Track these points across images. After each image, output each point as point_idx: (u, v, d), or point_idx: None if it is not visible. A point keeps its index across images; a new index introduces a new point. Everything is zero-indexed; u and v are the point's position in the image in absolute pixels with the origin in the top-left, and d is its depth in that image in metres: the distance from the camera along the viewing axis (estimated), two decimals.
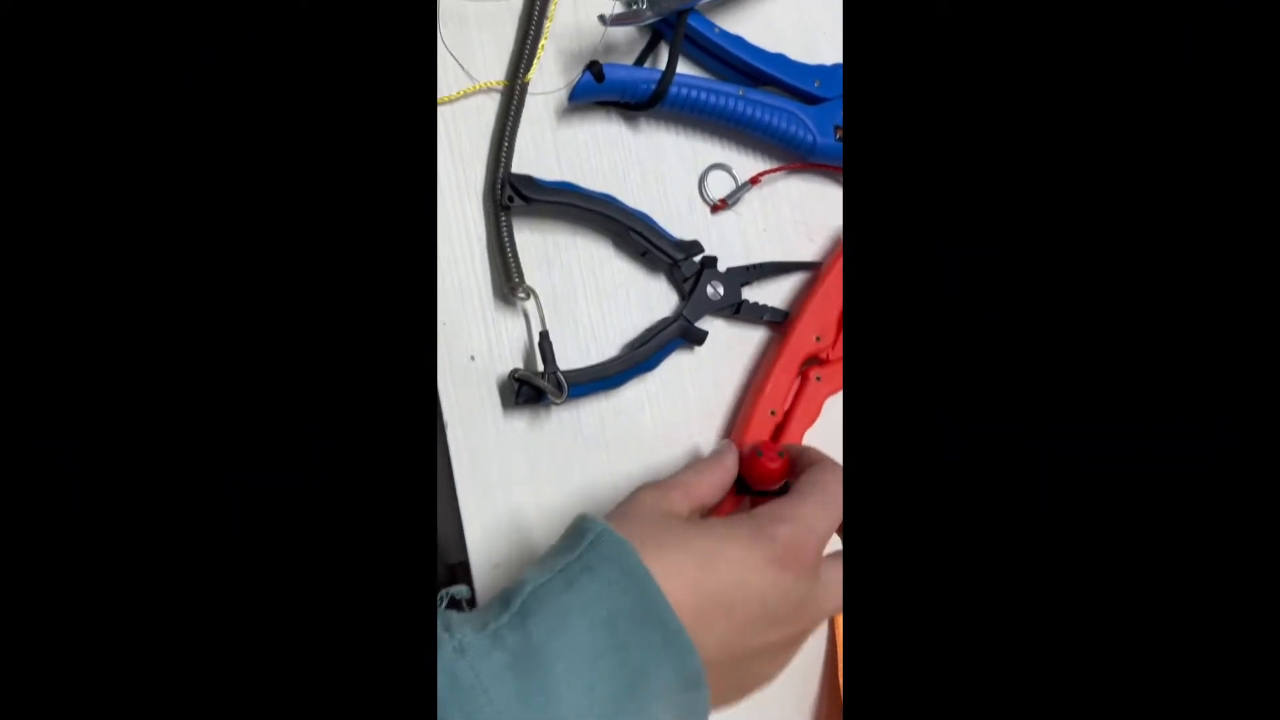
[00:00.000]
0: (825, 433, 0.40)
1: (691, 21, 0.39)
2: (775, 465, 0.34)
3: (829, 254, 0.42)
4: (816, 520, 0.28)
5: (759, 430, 0.39)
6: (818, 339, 0.40)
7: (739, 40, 0.40)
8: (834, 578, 0.28)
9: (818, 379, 0.40)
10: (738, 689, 0.28)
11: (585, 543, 0.26)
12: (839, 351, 0.40)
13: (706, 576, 0.25)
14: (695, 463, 0.34)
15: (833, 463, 0.32)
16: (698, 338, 0.39)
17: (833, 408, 0.41)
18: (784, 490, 0.33)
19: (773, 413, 0.39)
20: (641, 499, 0.29)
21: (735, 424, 0.40)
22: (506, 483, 0.36)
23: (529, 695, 0.21)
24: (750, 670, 0.28)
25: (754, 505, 0.31)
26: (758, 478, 0.34)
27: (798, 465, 0.33)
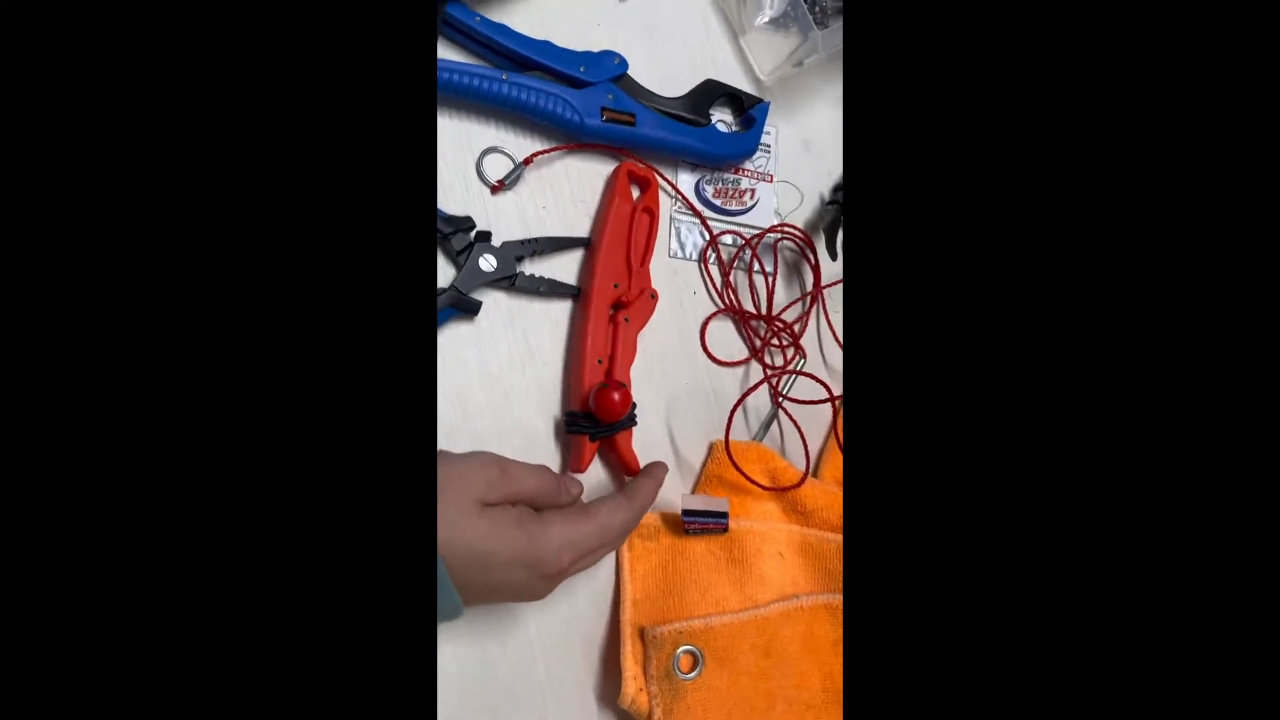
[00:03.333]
0: (642, 365, 0.44)
1: (452, 10, 0.41)
2: (619, 396, 0.40)
3: (598, 218, 0.45)
4: (587, 544, 0.35)
5: (593, 378, 0.42)
6: (616, 285, 0.44)
7: (502, 27, 0.42)
8: (568, 574, 0.35)
9: (626, 320, 0.44)
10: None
11: None
12: (636, 288, 0.44)
13: (480, 566, 0.32)
14: (542, 468, 0.37)
15: (625, 501, 0.37)
16: (471, 307, 0.41)
17: (642, 341, 0.45)
18: (628, 422, 0.42)
19: (600, 360, 0.43)
20: (470, 473, 0.33)
21: (570, 378, 0.43)
22: None
23: None
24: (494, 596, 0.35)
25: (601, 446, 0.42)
26: (606, 410, 0.40)
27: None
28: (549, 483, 0.36)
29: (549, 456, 0.43)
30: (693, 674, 0.40)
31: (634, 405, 0.42)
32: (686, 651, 0.40)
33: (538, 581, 0.34)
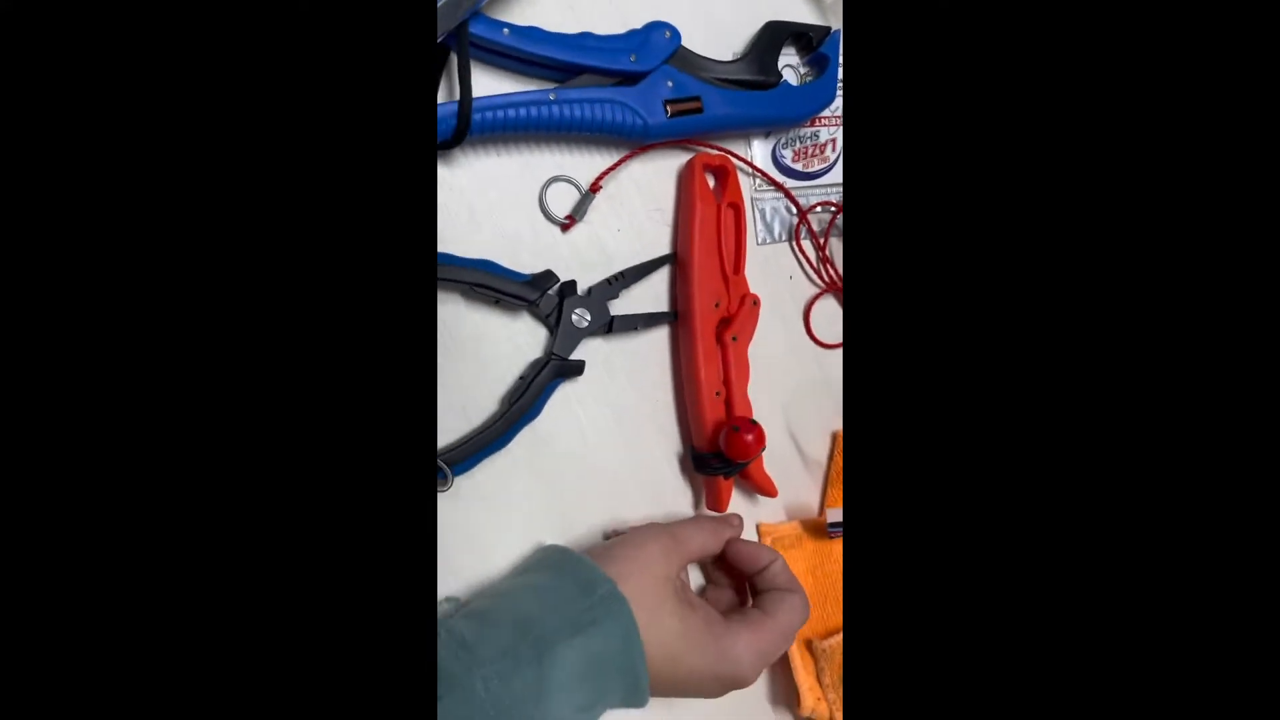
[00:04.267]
0: (757, 380, 0.41)
1: (476, 30, 0.34)
2: (752, 437, 0.37)
3: (681, 228, 0.40)
4: (773, 652, 0.35)
5: (714, 415, 0.39)
6: (716, 305, 0.40)
7: (534, 33, 0.35)
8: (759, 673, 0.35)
9: (734, 339, 0.40)
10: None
11: (595, 596, 0.31)
12: (736, 298, 0.40)
13: (670, 666, 0.32)
14: (700, 520, 0.37)
15: (794, 592, 0.36)
16: (575, 370, 0.37)
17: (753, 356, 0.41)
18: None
19: (718, 393, 0.40)
20: (650, 551, 0.34)
21: (690, 416, 0.40)
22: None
23: (536, 709, 0.28)
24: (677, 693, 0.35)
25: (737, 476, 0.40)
26: (740, 452, 0.37)
27: (759, 574, 0.37)
28: (713, 534, 0.37)
29: (682, 495, 0.41)
30: None
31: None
32: None
33: (722, 690, 0.34)
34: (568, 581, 0.32)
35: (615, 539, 0.36)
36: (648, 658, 0.31)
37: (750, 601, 0.37)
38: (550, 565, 0.34)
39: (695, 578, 0.41)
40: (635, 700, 0.32)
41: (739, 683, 0.34)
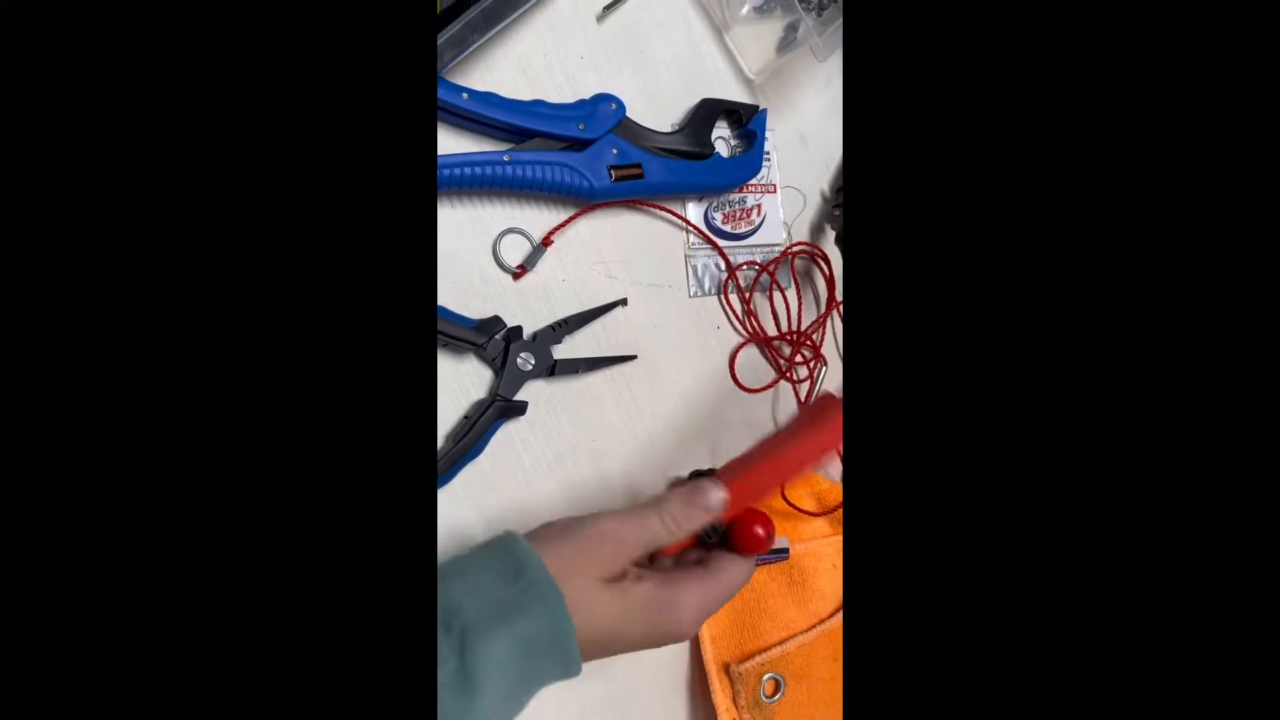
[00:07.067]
0: (683, 412, 0.43)
1: (438, 93, 0.37)
2: (765, 532, 0.35)
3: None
4: (716, 605, 0.34)
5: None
6: None
7: (490, 99, 0.38)
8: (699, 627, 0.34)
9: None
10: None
11: (524, 581, 0.30)
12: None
13: (609, 638, 0.31)
14: (643, 516, 0.34)
15: (742, 559, 0.35)
16: (518, 411, 0.40)
17: (681, 385, 0.43)
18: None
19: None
20: (601, 533, 0.32)
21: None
22: None
23: (461, 699, 0.28)
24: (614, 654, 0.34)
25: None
26: (748, 544, 0.35)
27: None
28: (655, 529, 0.34)
29: None
30: (777, 696, 0.44)
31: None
32: (770, 678, 0.44)
33: (661, 644, 0.33)
34: (494, 560, 0.31)
35: (563, 520, 0.34)
36: (588, 641, 0.30)
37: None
38: (483, 543, 0.32)
39: None
40: (569, 674, 0.31)
41: (681, 636, 0.33)
